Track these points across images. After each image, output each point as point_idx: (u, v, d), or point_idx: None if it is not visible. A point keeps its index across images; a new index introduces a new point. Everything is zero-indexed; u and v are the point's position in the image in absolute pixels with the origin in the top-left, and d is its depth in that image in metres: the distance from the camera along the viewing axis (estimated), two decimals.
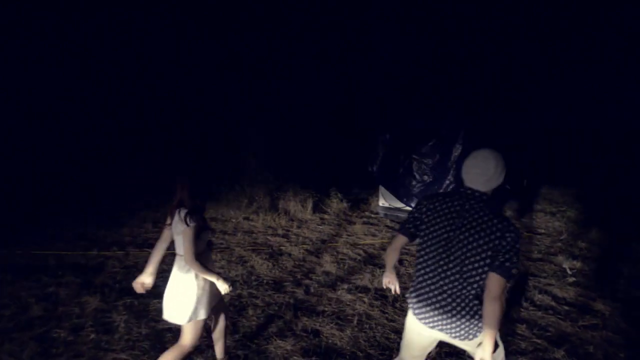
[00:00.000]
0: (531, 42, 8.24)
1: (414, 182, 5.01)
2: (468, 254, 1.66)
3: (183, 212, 2.13)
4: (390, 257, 2.05)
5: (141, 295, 3.40)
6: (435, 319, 1.78)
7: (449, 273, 1.72)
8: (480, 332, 1.72)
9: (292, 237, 5.80)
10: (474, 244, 1.65)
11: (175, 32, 7.72)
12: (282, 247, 5.30)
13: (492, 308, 1.61)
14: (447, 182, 4.75)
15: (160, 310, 2.90)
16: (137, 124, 9.63)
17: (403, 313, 3.47)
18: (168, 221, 2.26)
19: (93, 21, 8.31)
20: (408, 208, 5.51)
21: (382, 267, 4.52)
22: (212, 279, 2.17)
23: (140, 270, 3.98)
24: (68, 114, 9.19)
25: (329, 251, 5.20)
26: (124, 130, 9.60)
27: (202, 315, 2.22)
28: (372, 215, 7.17)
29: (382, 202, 6.18)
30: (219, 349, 2.63)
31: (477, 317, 1.71)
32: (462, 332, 1.74)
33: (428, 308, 1.79)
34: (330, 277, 4.33)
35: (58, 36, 8.43)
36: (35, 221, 6.06)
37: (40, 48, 8.54)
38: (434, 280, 1.77)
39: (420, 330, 1.87)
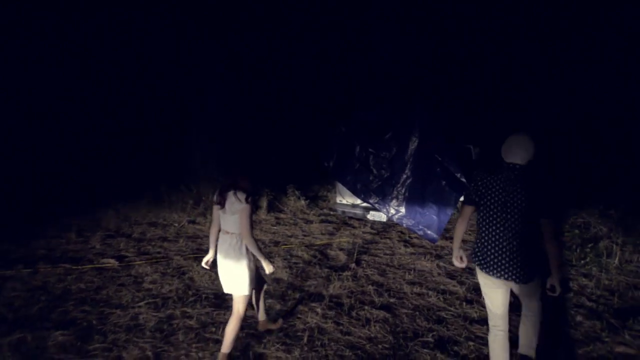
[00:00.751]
0: (531, 42, 8.24)
1: (371, 177, 4.82)
2: (524, 211, 2.16)
3: (240, 193, 2.35)
4: (461, 229, 2.49)
5: (40, 326, 3.03)
6: (504, 269, 2.23)
7: (512, 229, 2.20)
8: (538, 274, 2.23)
9: None
10: (527, 201, 2.16)
11: (175, 32, 7.72)
12: None
13: (553, 246, 2.18)
14: (405, 176, 4.57)
15: (62, 344, 2.77)
16: (137, 124, 9.64)
17: (359, 323, 3.21)
18: (216, 200, 2.45)
19: (93, 21, 8.31)
20: (366, 205, 5.27)
21: (337, 269, 4.35)
22: (261, 257, 2.43)
23: (48, 291, 3.65)
24: (68, 114, 9.19)
25: (282, 254, 4.82)
26: (124, 130, 9.60)
27: (252, 286, 2.51)
28: (331, 213, 6.84)
29: (339, 199, 5.94)
30: (261, 311, 2.88)
31: (536, 260, 2.23)
32: (527, 275, 2.20)
33: (498, 262, 2.25)
34: (281, 285, 3.95)
35: (58, 36, 8.43)
36: (37, 221, 6.06)
37: (40, 48, 8.54)
38: (501, 238, 2.24)
39: (491, 283, 2.31)
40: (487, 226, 2.29)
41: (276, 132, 10.13)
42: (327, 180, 8.08)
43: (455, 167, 4.33)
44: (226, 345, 2.47)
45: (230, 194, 2.36)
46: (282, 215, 6.69)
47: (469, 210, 2.41)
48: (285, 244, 5.26)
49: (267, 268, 2.46)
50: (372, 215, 5.59)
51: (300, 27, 8.65)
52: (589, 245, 4.66)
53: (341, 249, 5.11)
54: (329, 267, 4.47)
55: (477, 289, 3.74)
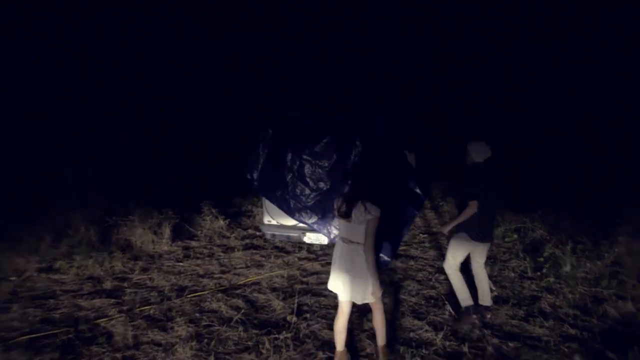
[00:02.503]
0: (531, 42, 8.24)
1: (307, 191, 3.91)
2: (498, 195, 3.27)
3: (370, 204, 2.36)
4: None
5: None
6: (490, 236, 3.33)
7: (494, 209, 3.30)
8: None
9: (128, 292, 3.68)
10: (499, 189, 3.26)
11: (175, 32, 7.73)
12: (100, 320, 3.15)
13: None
14: (347, 188, 3.82)
15: None
16: (137, 124, 9.64)
17: None
18: (342, 209, 2.43)
19: (93, 21, 8.32)
20: (303, 225, 4.15)
21: (271, 328, 3.12)
22: (373, 275, 2.43)
23: None
24: (68, 114, 9.20)
25: (187, 310, 3.35)
26: (124, 130, 9.60)
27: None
28: (257, 234, 5.50)
29: (267, 219, 4.62)
30: (380, 336, 2.74)
31: None
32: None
33: (489, 231, 3.30)
34: None
35: (58, 36, 8.44)
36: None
37: (40, 48, 8.55)
38: (490, 215, 3.26)
39: (473, 246, 3.29)
40: (485, 207, 3.17)
41: (186, 137, 8.91)
42: (251, 191, 6.62)
43: (410, 176, 3.81)
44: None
45: (359, 204, 2.37)
46: (193, 244, 5.16)
47: (476, 203, 3.17)
48: (194, 291, 3.75)
49: (375, 292, 2.46)
50: (310, 238, 4.44)
51: (300, 27, 8.65)
52: (544, 255, 4.54)
53: (274, 289, 3.88)
54: (258, 325, 3.16)
55: (455, 334, 3.18)
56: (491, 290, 3.54)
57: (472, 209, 3.15)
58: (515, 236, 5.45)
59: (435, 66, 9.91)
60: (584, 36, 6.50)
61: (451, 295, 3.69)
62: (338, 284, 2.53)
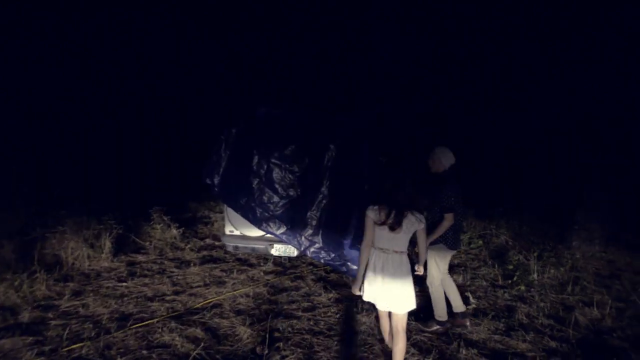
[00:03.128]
0: (531, 42, 8.24)
1: (275, 199, 3.53)
2: (463, 202, 3.26)
3: (418, 213, 2.39)
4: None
5: None
6: (460, 242, 3.39)
7: (462, 216, 3.34)
8: None
9: (53, 325, 2.91)
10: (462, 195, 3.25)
11: (175, 32, 7.73)
12: None
13: None
14: (321, 196, 3.48)
15: None
16: (137, 124, 9.64)
17: None
18: (390, 220, 2.35)
19: (93, 21, 8.33)
20: (270, 236, 3.81)
21: None
22: (421, 268, 2.61)
23: None
24: (68, 114, 9.20)
25: (131, 347, 2.65)
26: (123, 130, 9.60)
27: None
28: (217, 244, 4.93)
29: (229, 230, 4.07)
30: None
31: None
32: None
33: (460, 238, 3.35)
34: None
35: (58, 36, 8.44)
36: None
37: (40, 48, 8.55)
38: (461, 222, 3.31)
39: (450, 256, 3.34)
40: (458, 219, 3.20)
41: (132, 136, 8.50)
42: (209, 196, 5.83)
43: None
44: None
45: (409, 214, 2.36)
46: (140, 258, 4.41)
47: (452, 216, 3.12)
48: (141, 320, 3.06)
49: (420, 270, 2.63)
50: (278, 250, 3.98)
51: (300, 27, 8.66)
52: (514, 263, 4.54)
53: (238, 312, 3.32)
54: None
55: (442, 356, 2.91)
56: (470, 303, 3.52)
57: (449, 221, 3.08)
58: (481, 242, 5.46)
59: (435, 66, 9.91)
60: (584, 36, 6.50)
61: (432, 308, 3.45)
62: (381, 296, 2.43)
